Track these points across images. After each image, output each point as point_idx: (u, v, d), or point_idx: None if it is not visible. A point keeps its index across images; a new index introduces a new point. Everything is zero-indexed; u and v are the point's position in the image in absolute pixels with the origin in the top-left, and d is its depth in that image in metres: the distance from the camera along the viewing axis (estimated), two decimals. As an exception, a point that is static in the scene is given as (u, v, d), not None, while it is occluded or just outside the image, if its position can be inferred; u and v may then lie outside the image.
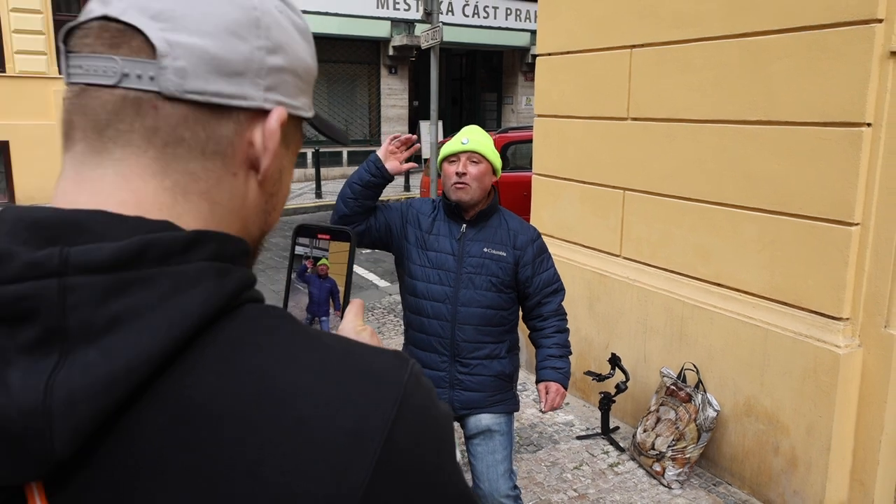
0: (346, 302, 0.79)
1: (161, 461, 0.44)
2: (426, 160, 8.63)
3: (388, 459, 0.47)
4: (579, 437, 3.98)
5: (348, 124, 16.37)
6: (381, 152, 2.48)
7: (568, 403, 4.44)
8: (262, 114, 0.57)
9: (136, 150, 0.52)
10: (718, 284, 3.52)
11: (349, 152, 16.11)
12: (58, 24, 12.04)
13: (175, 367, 0.46)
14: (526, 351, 4.32)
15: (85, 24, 0.53)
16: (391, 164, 2.46)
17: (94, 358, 0.43)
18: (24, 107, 11.93)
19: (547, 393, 2.49)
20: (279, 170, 0.60)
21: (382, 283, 7.46)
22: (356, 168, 2.53)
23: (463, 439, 2.67)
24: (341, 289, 0.79)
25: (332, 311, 0.80)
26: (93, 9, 0.54)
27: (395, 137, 2.49)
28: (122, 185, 0.52)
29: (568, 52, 4.40)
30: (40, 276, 0.44)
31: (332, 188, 14.24)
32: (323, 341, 0.53)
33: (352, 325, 0.77)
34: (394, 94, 16.42)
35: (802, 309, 3.10)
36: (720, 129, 3.43)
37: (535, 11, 18.88)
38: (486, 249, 2.48)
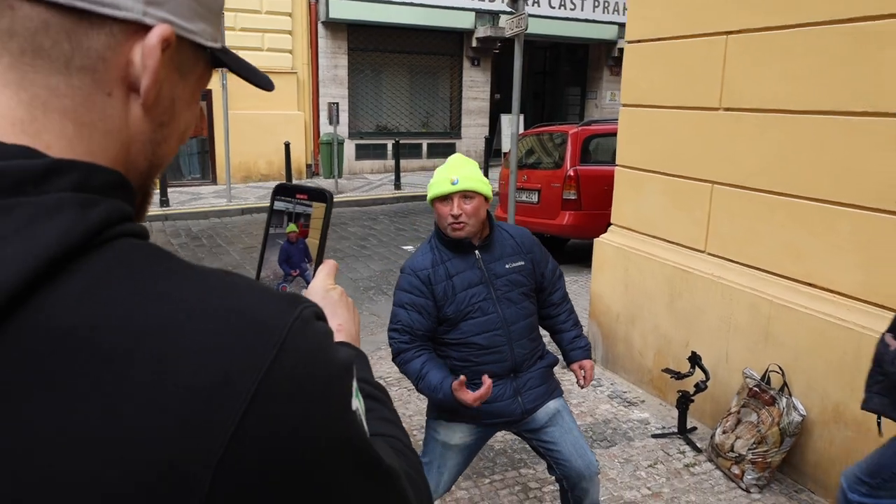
0: (320, 261, 0.80)
1: (21, 392, 0.40)
2: (506, 153, 8.59)
3: (257, 414, 0.43)
4: (655, 436, 3.88)
5: (429, 116, 16.42)
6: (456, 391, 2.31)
7: (644, 401, 4.34)
8: (145, 30, 0.51)
9: None
10: (809, 284, 3.35)
11: (429, 145, 16.17)
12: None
13: (35, 300, 0.42)
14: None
15: None
16: (463, 396, 2.30)
17: None
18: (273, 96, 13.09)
19: (582, 370, 2.67)
20: (171, 98, 0.56)
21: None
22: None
23: (528, 442, 2.68)
24: (315, 249, 0.80)
25: (310, 265, 0.81)
26: None
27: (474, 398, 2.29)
28: None
29: (658, 39, 4.27)
30: None
31: (411, 180, 14.32)
32: (205, 279, 0.48)
33: (322, 283, 0.77)
34: (475, 87, 16.37)
35: (903, 312, 2.91)
36: (820, 120, 3.26)
37: (624, 3, 18.46)
38: (507, 265, 2.52)
